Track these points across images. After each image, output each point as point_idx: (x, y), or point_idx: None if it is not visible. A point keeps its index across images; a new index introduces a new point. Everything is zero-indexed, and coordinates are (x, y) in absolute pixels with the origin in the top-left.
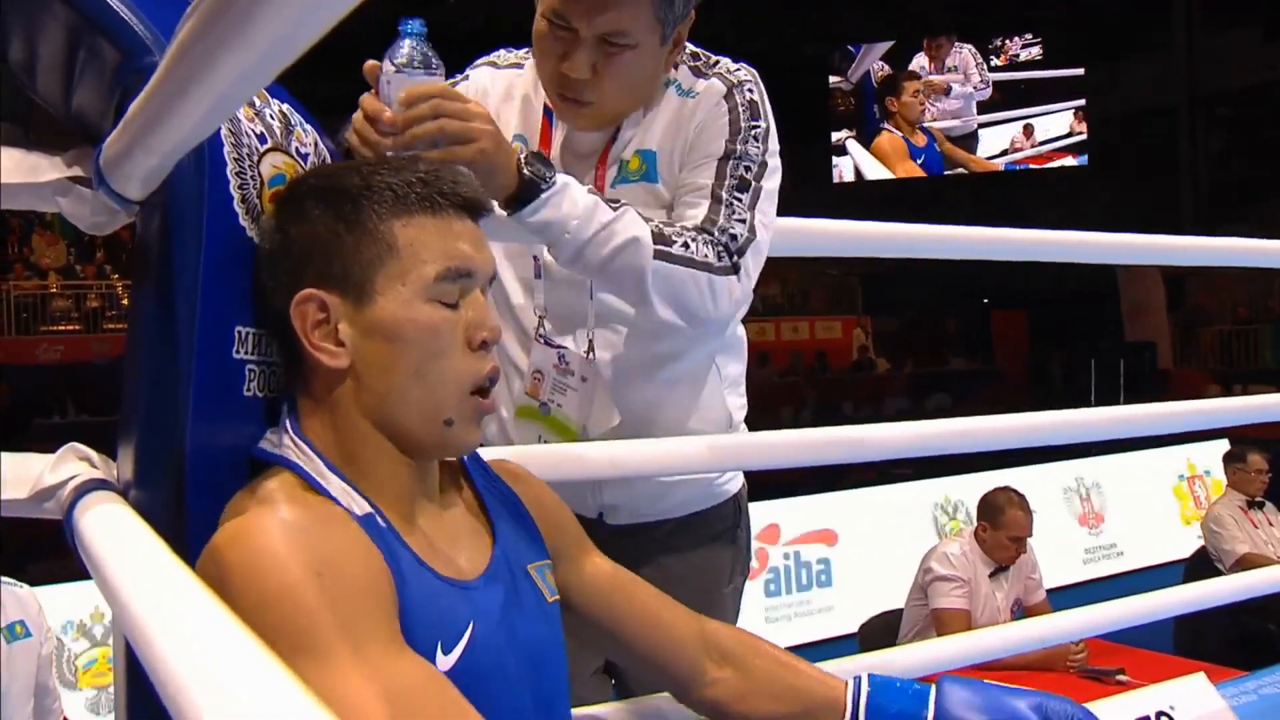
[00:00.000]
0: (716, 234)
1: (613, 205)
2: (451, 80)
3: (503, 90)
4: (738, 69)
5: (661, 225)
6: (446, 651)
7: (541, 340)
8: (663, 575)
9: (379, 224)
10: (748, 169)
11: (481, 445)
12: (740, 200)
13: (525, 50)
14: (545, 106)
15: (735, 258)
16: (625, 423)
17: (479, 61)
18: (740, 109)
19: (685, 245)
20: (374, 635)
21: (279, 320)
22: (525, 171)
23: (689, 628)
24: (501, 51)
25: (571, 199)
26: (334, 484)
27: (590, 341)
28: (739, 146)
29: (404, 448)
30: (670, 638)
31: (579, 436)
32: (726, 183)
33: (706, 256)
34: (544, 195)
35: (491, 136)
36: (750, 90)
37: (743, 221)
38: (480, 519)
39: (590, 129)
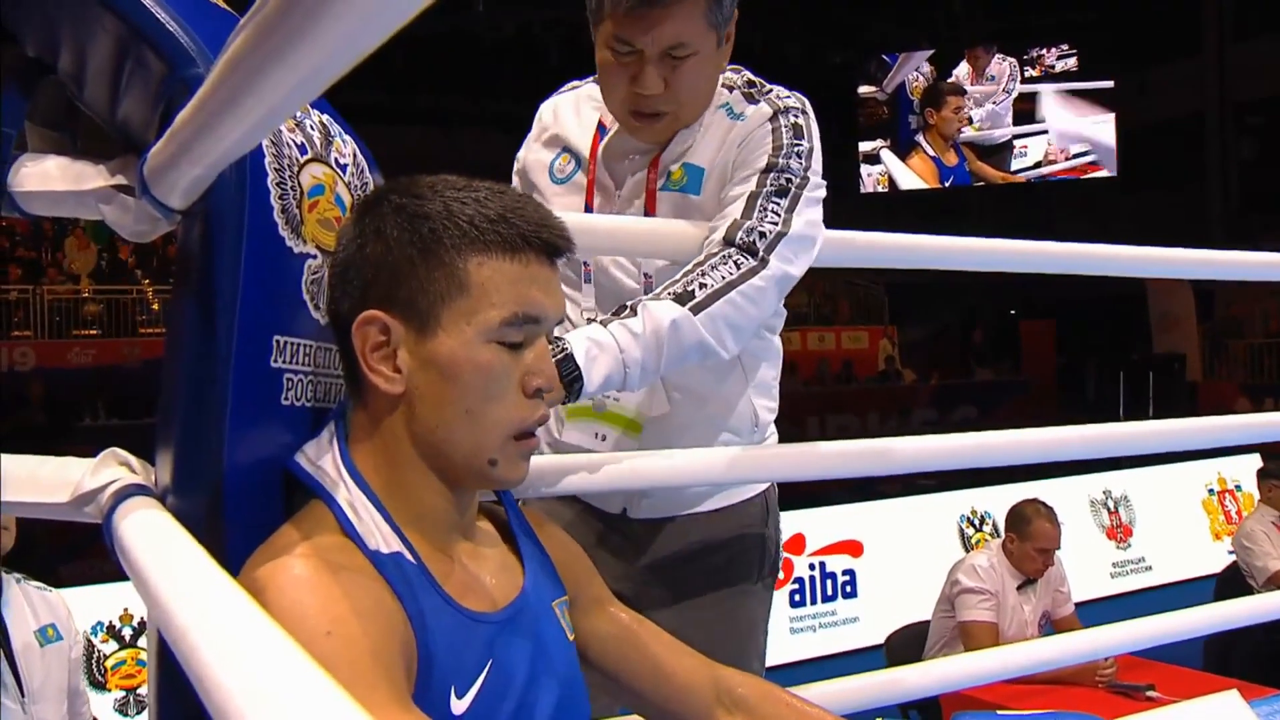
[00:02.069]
0: (741, 236)
1: (624, 314)
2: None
3: (552, 110)
4: (788, 96)
5: (673, 285)
6: (460, 695)
7: None
8: (689, 568)
9: (455, 258)
10: (789, 180)
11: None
12: (778, 203)
13: (575, 83)
14: (600, 124)
15: (763, 253)
16: (672, 411)
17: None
18: (784, 129)
19: (703, 285)
20: (372, 696)
21: (341, 329)
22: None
23: (701, 676)
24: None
25: (599, 344)
26: (365, 520)
27: None
28: (781, 160)
29: (447, 479)
30: (682, 687)
31: (640, 424)
32: (765, 190)
33: (727, 275)
34: (583, 366)
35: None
36: (797, 115)
37: (775, 222)
38: (512, 554)
39: (664, 139)
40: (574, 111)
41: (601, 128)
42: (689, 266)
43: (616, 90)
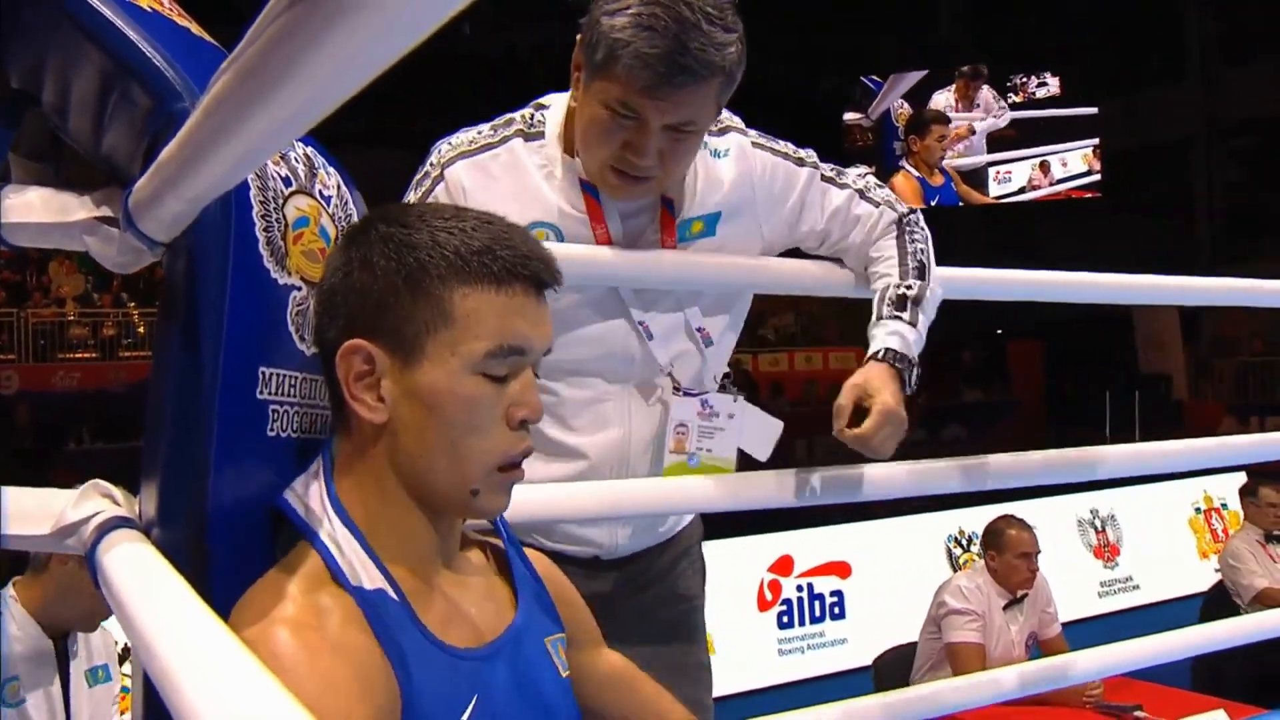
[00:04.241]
0: (898, 209)
1: (909, 308)
2: (421, 172)
3: (483, 180)
4: (733, 118)
5: (915, 258)
6: None
7: (680, 393)
8: (652, 596)
9: (440, 289)
10: (815, 164)
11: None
12: (840, 175)
13: (489, 126)
14: (583, 183)
15: (903, 209)
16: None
17: (447, 153)
18: (767, 141)
19: (925, 250)
20: None
21: (326, 357)
22: (909, 387)
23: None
24: (461, 138)
25: (922, 328)
26: (348, 555)
27: (728, 380)
28: (807, 163)
29: (429, 508)
30: None
31: (733, 468)
32: (837, 180)
33: (925, 236)
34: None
35: (901, 424)
36: (753, 131)
37: (862, 187)
38: (505, 585)
39: (635, 201)
40: (514, 179)
41: (589, 189)
42: (893, 245)
43: (603, 149)
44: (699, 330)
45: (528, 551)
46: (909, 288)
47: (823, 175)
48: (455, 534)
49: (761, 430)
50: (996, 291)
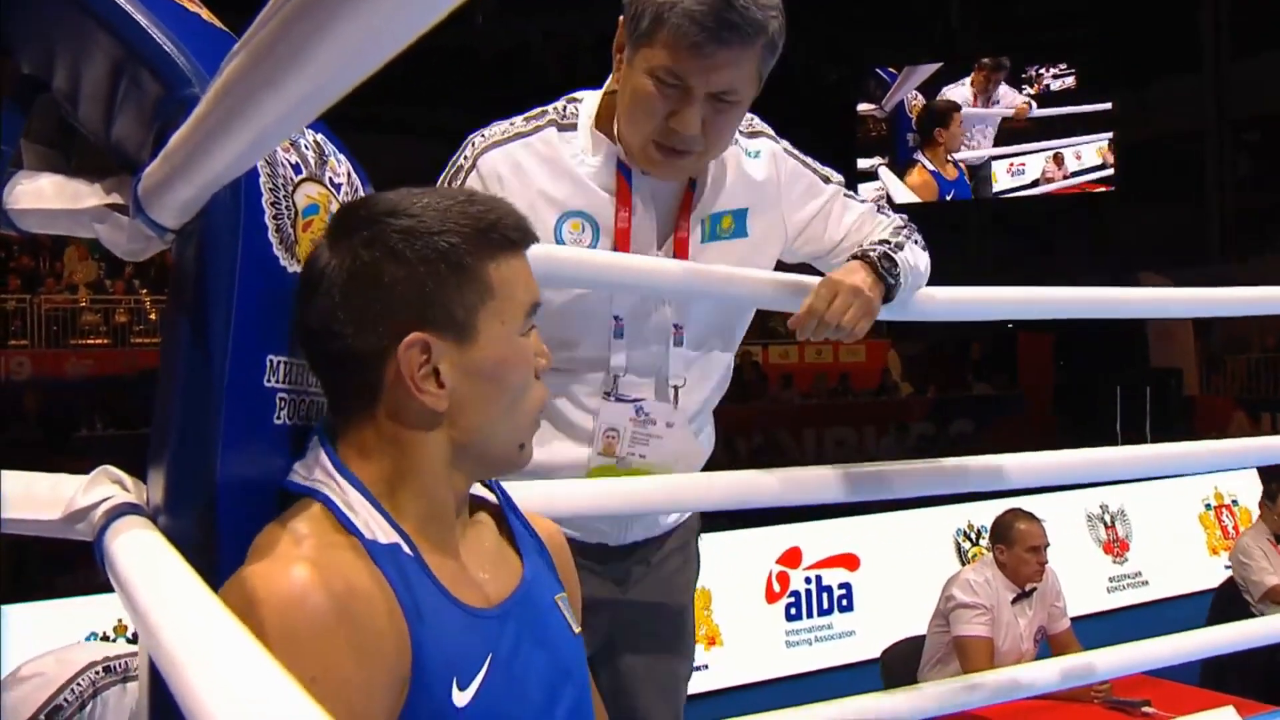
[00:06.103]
0: (903, 221)
1: (892, 249)
2: (454, 165)
3: (517, 168)
4: (764, 126)
5: (900, 234)
6: (463, 687)
7: (612, 398)
8: (658, 580)
9: (475, 265)
10: (840, 183)
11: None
12: (858, 198)
13: (522, 118)
14: (620, 165)
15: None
16: (694, 455)
17: (480, 144)
18: (798, 159)
19: (916, 241)
20: None
21: (356, 356)
22: (889, 280)
23: None
24: (495, 129)
25: (907, 264)
26: (361, 515)
27: (675, 389)
28: (833, 181)
29: (478, 474)
30: None
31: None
32: (857, 198)
33: (919, 240)
34: (902, 283)
35: (864, 299)
36: (784, 141)
37: (885, 212)
38: (510, 547)
39: (677, 179)
40: (548, 167)
41: (624, 171)
42: (892, 228)
43: (647, 121)
44: (675, 327)
45: (535, 517)
46: (887, 244)
47: (845, 193)
48: (466, 498)
49: (688, 446)
50: (1007, 311)
